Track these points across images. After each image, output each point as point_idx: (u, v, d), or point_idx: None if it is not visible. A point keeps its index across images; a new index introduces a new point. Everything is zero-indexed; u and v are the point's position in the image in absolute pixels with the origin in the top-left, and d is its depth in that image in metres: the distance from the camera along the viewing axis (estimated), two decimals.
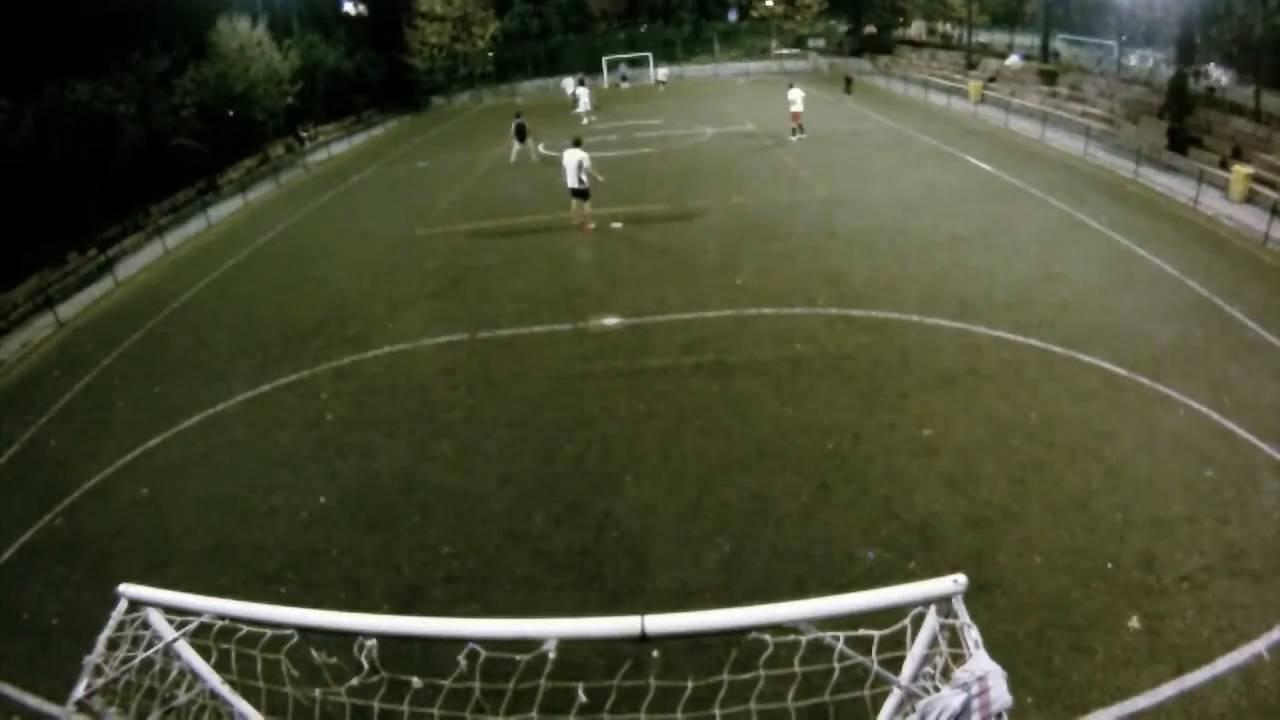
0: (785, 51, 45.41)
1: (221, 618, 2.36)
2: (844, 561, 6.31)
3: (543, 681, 2.09)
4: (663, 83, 39.77)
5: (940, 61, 36.25)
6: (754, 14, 49.47)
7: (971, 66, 32.78)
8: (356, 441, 8.80)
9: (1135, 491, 6.86)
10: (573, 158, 15.09)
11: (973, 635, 2.00)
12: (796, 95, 22.37)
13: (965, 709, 1.92)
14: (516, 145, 23.01)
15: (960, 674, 1.96)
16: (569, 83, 36.70)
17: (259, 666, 2.59)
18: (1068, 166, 19.14)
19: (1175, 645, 5.26)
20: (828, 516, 6.83)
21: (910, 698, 2.19)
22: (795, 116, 22.38)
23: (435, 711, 2.38)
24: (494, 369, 10.17)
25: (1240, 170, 15.66)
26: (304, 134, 32.47)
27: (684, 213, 16.50)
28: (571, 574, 6.44)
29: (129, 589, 2.49)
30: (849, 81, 32.16)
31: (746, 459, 7.77)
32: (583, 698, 2.15)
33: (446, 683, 2.24)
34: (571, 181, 15.33)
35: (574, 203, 15.76)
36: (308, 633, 2.23)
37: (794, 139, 22.59)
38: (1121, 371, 8.89)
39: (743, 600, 5.68)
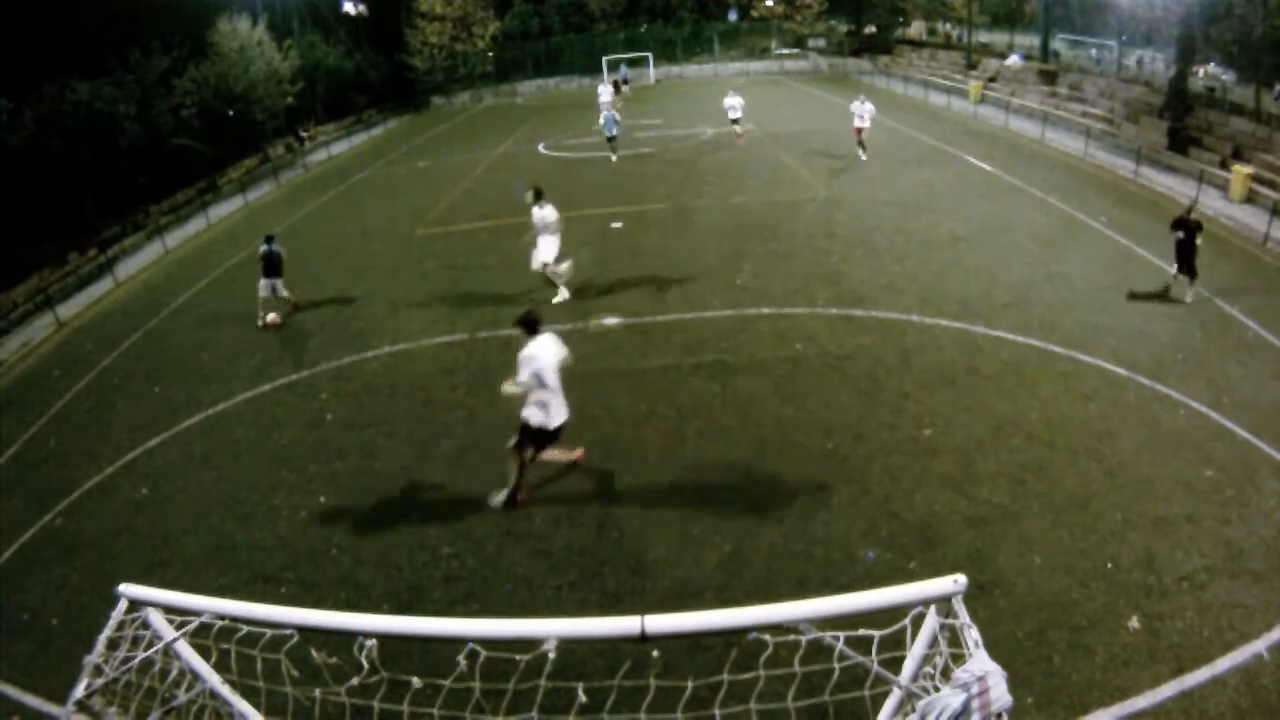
0: (785, 51, 45.40)
1: (221, 618, 2.36)
2: (844, 561, 6.30)
3: (543, 681, 2.09)
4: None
5: (940, 61, 36.25)
6: (754, 14, 49.50)
7: (971, 66, 32.78)
8: (356, 441, 8.79)
9: (1135, 491, 6.85)
10: None
11: (973, 635, 2.00)
12: (866, 110, 19.14)
13: (965, 709, 1.92)
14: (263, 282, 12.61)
15: (960, 674, 1.96)
16: (605, 92, 27.63)
17: (259, 666, 2.59)
18: (1068, 166, 19.14)
19: (1175, 645, 5.25)
20: (828, 516, 6.83)
21: (910, 698, 2.19)
22: (858, 131, 19.36)
23: (435, 711, 2.39)
24: (494, 369, 10.15)
25: (1240, 170, 15.67)
26: (304, 134, 32.48)
27: (684, 212, 16.49)
28: (571, 574, 6.44)
29: (129, 589, 2.50)
30: (1195, 233, 10.54)
31: (746, 459, 7.77)
32: (583, 698, 2.16)
33: (446, 683, 2.24)
34: None
35: None
36: (308, 633, 2.23)
37: (863, 155, 19.57)
38: (1121, 371, 8.89)
39: (743, 600, 5.69)
